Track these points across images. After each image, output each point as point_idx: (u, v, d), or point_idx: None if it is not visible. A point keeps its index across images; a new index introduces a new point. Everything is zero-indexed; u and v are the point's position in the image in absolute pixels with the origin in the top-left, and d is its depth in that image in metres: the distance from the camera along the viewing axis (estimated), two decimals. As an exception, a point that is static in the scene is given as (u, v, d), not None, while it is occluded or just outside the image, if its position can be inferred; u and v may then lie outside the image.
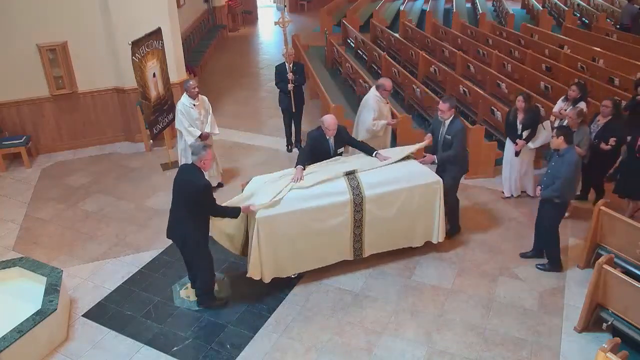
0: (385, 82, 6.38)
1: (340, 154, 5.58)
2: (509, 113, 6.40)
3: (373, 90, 6.43)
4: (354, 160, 5.51)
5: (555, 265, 5.29)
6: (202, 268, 4.74)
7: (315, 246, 5.04)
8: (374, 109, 6.30)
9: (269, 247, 4.84)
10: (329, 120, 5.33)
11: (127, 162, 7.98)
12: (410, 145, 5.81)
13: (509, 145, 6.45)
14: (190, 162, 6.61)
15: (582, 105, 6.34)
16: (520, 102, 6.06)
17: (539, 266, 5.35)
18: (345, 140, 5.59)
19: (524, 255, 5.50)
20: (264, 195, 4.87)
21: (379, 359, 4.30)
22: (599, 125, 6.03)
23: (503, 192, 6.69)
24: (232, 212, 4.70)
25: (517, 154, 6.29)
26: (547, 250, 5.36)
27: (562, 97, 6.81)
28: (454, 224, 5.86)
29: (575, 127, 5.63)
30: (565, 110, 6.49)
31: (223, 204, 4.73)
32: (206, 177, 4.56)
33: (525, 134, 6.18)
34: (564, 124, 5.87)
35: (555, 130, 5.05)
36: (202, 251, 4.67)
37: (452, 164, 5.56)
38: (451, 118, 5.49)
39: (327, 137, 5.41)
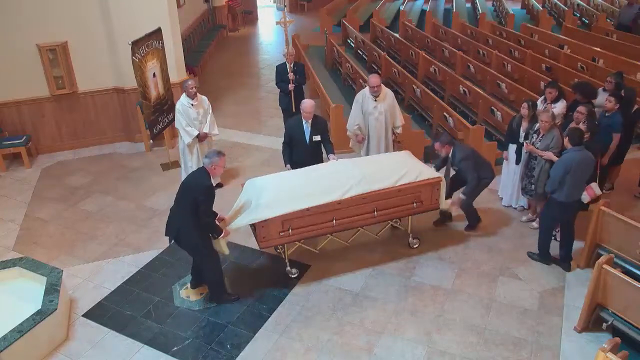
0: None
1: (317, 142, 5.82)
2: (513, 120, 6.16)
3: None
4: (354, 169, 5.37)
5: (543, 256, 5.40)
6: (208, 266, 4.78)
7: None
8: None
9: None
10: (307, 104, 5.71)
11: (127, 162, 7.99)
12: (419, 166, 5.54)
13: (512, 152, 6.16)
14: (193, 164, 6.62)
15: (562, 104, 6.31)
16: (524, 110, 5.85)
17: (529, 253, 5.52)
18: (320, 130, 5.83)
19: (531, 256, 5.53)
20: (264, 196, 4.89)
21: (379, 359, 4.31)
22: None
23: (502, 198, 6.55)
24: (217, 231, 4.67)
25: (517, 161, 6.04)
26: (539, 241, 5.45)
27: (541, 98, 6.67)
28: (474, 218, 5.96)
29: (545, 130, 5.48)
30: None
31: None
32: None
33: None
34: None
35: (565, 132, 5.11)
36: (206, 251, 4.70)
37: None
38: (451, 152, 5.56)
39: (304, 122, 5.74)
